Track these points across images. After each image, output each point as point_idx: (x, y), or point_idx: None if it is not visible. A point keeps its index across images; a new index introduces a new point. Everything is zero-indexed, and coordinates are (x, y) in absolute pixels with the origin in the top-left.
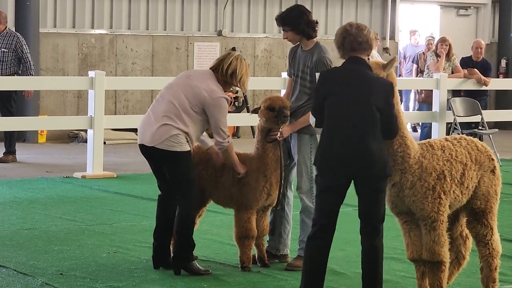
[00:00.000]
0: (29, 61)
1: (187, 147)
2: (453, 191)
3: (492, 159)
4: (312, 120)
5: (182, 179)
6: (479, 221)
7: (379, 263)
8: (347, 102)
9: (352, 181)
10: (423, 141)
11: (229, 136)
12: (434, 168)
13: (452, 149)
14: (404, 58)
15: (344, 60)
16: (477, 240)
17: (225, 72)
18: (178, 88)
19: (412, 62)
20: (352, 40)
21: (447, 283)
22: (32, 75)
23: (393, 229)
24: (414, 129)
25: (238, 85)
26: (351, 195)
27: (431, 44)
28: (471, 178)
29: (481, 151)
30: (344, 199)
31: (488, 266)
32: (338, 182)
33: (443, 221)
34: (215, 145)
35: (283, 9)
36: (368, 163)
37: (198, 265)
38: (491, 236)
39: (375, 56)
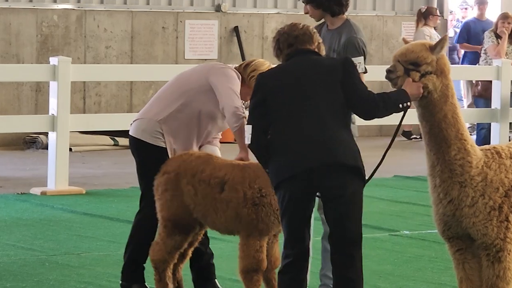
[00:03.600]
0: None
1: None
2: None
3: None
4: (247, 133)
5: None
6: None
7: None
8: (298, 92)
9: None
10: (486, 147)
11: None
12: (501, 182)
13: None
14: (467, 39)
15: None
16: None
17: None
18: None
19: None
20: (286, 37)
21: None
22: None
23: (441, 260)
24: None
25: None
26: (387, 215)
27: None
28: None
29: None
30: (310, 216)
31: None
32: (300, 186)
33: (510, 250)
34: None
35: None
36: (330, 147)
37: None
38: None
39: (434, 37)
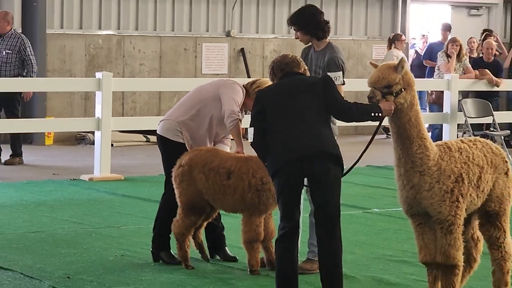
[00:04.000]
0: (32, 63)
1: None
2: (470, 194)
3: (506, 162)
4: (250, 134)
5: None
6: (492, 223)
7: (338, 264)
8: (289, 103)
9: (306, 180)
10: (440, 143)
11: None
12: (452, 171)
13: (469, 152)
14: (430, 57)
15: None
16: (489, 242)
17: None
18: None
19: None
20: (278, 64)
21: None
22: (35, 75)
23: (404, 231)
24: None
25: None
26: (361, 197)
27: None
28: (487, 182)
29: (496, 153)
30: (300, 196)
31: (500, 269)
32: (293, 172)
33: (460, 224)
34: None
35: (293, 9)
36: (316, 141)
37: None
38: (504, 239)
39: (400, 56)
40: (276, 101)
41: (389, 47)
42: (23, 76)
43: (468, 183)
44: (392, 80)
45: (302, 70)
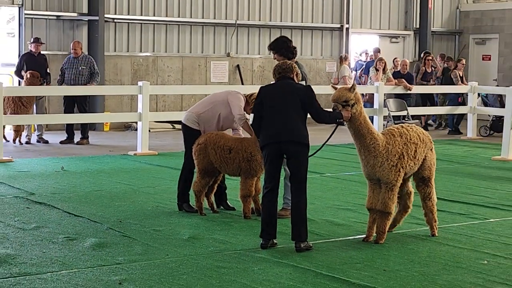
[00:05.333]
0: (97, 75)
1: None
2: (409, 165)
3: (431, 141)
4: (251, 118)
5: None
6: (426, 184)
7: (303, 212)
8: (278, 100)
9: (285, 156)
10: (385, 131)
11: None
12: (396, 151)
13: (407, 134)
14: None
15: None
16: (423, 196)
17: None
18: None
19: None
20: (278, 68)
21: (397, 225)
22: (97, 83)
23: (347, 189)
24: None
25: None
26: (318, 166)
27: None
28: (420, 153)
29: (425, 135)
30: (280, 166)
31: (431, 212)
32: (275, 149)
33: (398, 186)
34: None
35: (272, 38)
36: (292, 132)
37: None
38: (433, 193)
39: (348, 70)
40: (270, 97)
41: (341, 63)
42: (91, 84)
43: (407, 157)
44: (348, 97)
45: (294, 74)
